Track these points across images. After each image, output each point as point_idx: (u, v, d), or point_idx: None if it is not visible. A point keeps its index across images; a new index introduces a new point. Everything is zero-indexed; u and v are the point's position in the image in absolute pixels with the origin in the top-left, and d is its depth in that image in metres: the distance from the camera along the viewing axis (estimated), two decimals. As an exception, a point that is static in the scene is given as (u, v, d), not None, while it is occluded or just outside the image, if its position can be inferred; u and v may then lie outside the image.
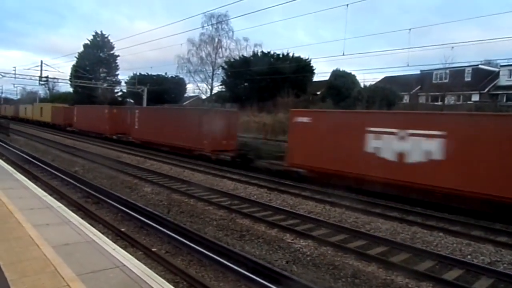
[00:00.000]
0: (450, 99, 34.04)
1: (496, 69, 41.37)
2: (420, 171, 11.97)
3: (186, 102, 57.49)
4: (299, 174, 15.70)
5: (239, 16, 49.81)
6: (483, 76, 40.95)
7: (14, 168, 13.00)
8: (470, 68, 39.96)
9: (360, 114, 16.99)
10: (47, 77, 42.73)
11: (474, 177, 10.92)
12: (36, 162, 18.12)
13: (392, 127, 12.83)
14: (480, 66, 40.83)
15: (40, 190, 9.02)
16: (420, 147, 12.07)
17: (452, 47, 28.21)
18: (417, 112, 18.73)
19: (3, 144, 24.67)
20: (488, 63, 41.68)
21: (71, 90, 63.73)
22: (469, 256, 8.23)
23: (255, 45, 48.62)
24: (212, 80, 51.99)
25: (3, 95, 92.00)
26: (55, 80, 50.75)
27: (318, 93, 41.33)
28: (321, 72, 61.97)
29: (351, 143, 13.86)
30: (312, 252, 8.14)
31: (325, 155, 14.61)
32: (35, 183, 10.71)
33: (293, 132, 16.60)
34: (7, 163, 14.14)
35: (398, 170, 12.47)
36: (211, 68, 51.33)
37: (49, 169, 16.43)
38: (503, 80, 39.64)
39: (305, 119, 15.85)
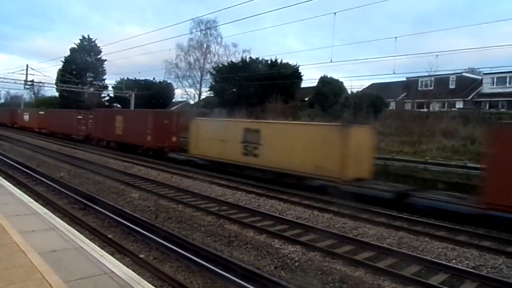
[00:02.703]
0: (435, 106, 34.64)
1: (480, 77, 42.30)
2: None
3: (174, 107, 57.22)
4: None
5: (229, 23, 50.13)
6: (467, 84, 41.82)
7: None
8: (454, 76, 40.75)
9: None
10: (32, 81, 42.12)
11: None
12: (21, 168, 17.82)
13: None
14: (464, 74, 41.67)
15: (26, 196, 8.89)
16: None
17: (437, 55, 28.81)
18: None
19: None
20: (472, 71, 42.59)
21: (57, 94, 62.84)
22: (454, 261, 8.38)
23: (244, 51, 48.81)
24: (201, 85, 51.94)
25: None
26: (41, 84, 50.08)
27: (306, 99, 41.61)
28: (310, 79, 62.61)
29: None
30: (300, 257, 8.18)
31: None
32: (20, 189, 10.54)
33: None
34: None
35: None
36: (199, 74, 51.29)
37: (34, 174, 16.18)
38: (486, 88, 40.53)
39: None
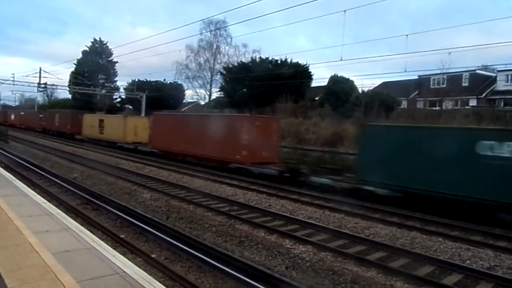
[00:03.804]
0: (447, 104, 34.19)
1: (494, 74, 41.59)
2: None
3: (185, 108, 57.57)
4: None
5: (239, 23, 50.27)
6: (480, 81, 41.16)
7: (13, 175, 12.99)
8: (467, 73, 40.15)
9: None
10: (45, 83, 42.80)
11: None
12: (35, 168, 18.11)
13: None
14: (477, 71, 41.02)
15: (39, 197, 9.01)
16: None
17: (450, 53, 28.39)
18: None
19: (1, 151, 24.63)
20: (485, 68, 41.89)
21: (69, 96, 63.76)
22: (468, 261, 8.24)
23: (254, 51, 48.95)
24: (211, 86, 52.22)
25: (2, 102, 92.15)
26: (54, 87, 50.84)
27: (317, 98, 41.44)
28: (321, 78, 62.27)
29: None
30: (311, 257, 8.14)
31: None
32: (34, 190, 10.70)
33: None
34: (6, 170, 14.13)
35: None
36: (209, 74, 51.59)
37: (48, 175, 16.42)
38: (501, 85, 39.84)
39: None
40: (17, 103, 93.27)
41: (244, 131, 18.75)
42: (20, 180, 12.39)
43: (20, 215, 6.87)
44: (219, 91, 48.60)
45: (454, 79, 38.00)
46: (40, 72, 40.41)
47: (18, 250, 5.11)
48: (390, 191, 13.15)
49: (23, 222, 6.44)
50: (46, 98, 80.00)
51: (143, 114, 40.88)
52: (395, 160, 12.98)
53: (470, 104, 36.94)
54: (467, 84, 39.97)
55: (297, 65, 39.73)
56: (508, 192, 10.30)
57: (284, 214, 11.50)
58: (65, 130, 39.88)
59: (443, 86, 38.21)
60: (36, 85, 41.18)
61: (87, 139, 34.54)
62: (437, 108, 33.51)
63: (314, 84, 42.68)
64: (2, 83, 40.20)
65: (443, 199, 11.69)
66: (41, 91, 51.24)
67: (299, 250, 8.52)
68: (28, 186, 10.82)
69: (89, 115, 37.83)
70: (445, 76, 38.24)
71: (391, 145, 13.24)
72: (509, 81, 39.14)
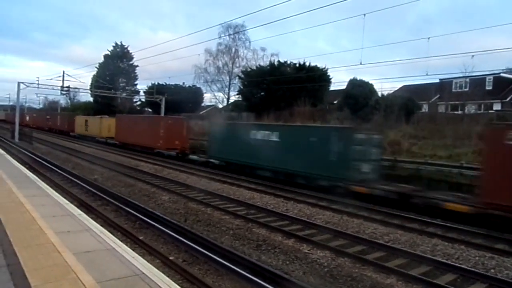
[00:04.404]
0: (470, 108, 33.35)
1: (519, 78, 40.39)
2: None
3: (203, 111, 58.01)
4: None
5: (257, 26, 50.47)
6: (505, 85, 39.98)
7: (37, 176, 13.32)
8: (491, 77, 39.09)
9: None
10: (68, 87, 43.81)
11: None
12: (57, 170, 18.55)
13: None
14: (501, 74, 39.89)
15: (61, 198, 9.21)
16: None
17: (473, 56, 27.59)
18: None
19: (26, 152, 25.34)
20: (510, 71, 40.69)
21: (91, 99, 65.13)
22: (492, 270, 8.01)
23: (272, 55, 48.93)
24: (229, 89, 52.42)
25: (27, 104, 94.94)
26: (76, 90, 52.05)
27: (335, 102, 41.09)
28: (340, 81, 61.71)
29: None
30: (329, 263, 8.05)
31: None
32: (56, 190, 10.95)
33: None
34: (30, 171, 14.51)
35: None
36: (228, 78, 51.82)
37: (69, 177, 16.79)
38: (526, 89, 38.65)
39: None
40: (41, 106, 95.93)
41: (161, 127, 27.87)
42: (43, 180, 12.70)
43: (43, 215, 7.03)
44: (237, 94, 48.78)
45: (477, 82, 37.06)
46: (63, 76, 41.36)
47: (41, 250, 5.23)
48: (220, 162, 21.67)
49: (46, 222, 6.59)
50: (69, 101, 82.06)
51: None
52: (223, 144, 21.56)
53: (494, 108, 35.94)
54: (490, 88, 38.91)
55: (315, 68, 39.52)
56: (259, 158, 18.42)
57: (302, 218, 11.43)
58: (63, 129, 50.38)
59: (465, 89, 37.28)
60: (59, 88, 42.18)
61: (78, 135, 43.42)
62: (459, 112, 32.74)
63: (333, 87, 42.35)
64: (27, 86, 41.24)
65: (243, 165, 20.04)
66: (64, 94, 52.48)
67: (317, 255, 8.44)
68: (51, 187, 11.07)
69: (79, 117, 47.23)
70: (467, 80, 37.33)
71: (221, 134, 22.10)
72: (535, 85, 37.94)
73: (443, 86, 39.42)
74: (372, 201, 13.68)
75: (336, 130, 16.95)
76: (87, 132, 41.45)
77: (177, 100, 47.75)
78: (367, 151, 15.67)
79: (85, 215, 7.58)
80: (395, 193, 13.55)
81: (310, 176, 16.36)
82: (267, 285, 6.34)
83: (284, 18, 36.37)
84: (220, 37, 48.97)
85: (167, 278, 4.73)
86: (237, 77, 49.53)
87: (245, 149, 19.39)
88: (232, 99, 52.78)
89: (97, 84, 51.13)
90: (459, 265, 8.08)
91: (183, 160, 24.95)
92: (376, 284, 7.14)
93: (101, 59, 62.00)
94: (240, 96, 47.39)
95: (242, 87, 45.94)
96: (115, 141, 34.80)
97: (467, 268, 7.95)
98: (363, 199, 13.61)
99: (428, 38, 22.31)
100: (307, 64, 40.24)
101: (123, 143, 33.11)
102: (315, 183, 15.94)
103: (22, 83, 40.45)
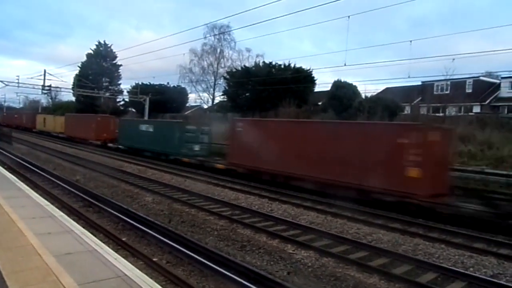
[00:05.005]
0: (451, 111, 34.08)
1: (497, 81, 41.46)
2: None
3: (188, 111, 57.68)
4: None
5: (243, 27, 50.45)
6: (484, 88, 41.03)
7: (17, 177, 13.03)
8: (471, 80, 40.05)
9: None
10: (50, 86, 43.05)
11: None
12: (38, 170, 18.16)
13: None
14: (481, 77, 40.91)
15: (42, 199, 9.04)
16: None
17: (453, 59, 28.25)
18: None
19: (5, 152, 24.73)
20: (489, 74, 41.78)
21: (73, 99, 64.01)
22: (471, 269, 8.19)
23: (257, 56, 49.03)
24: (214, 90, 52.27)
25: (6, 103, 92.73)
26: (58, 89, 51.14)
27: (320, 103, 41.42)
28: (325, 83, 62.16)
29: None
30: (313, 263, 8.11)
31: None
32: (37, 192, 10.73)
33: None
34: (10, 172, 14.18)
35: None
36: (213, 78, 51.67)
37: (51, 177, 16.46)
38: (504, 92, 39.70)
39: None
40: (21, 105, 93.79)
41: (93, 123, 36.11)
42: (23, 181, 12.43)
43: (23, 217, 6.89)
44: (222, 95, 48.70)
45: (457, 85, 37.92)
46: (44, 75, 40.57)
47: (20, 252, 5.12)
48: (124, 147, 29.80)
49: (26, 224, 6.46)
50: (50, 100, 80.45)
51: (146, 117, 40.99)
52: (125, 134, 30.28)
53: (474, 111, 36.83)
54: (470, 91, 39.88)
55: (301, 70, 39.77)
56: (144, 143, 27.14)
57: (287, 219, 11.48)
58: (28, 126, 55.59)
59: (446, 92, 38.09)
60: (40, 87, 41.34)
61: (38, 131, 50.25)
62: (441, 114, 33.42)
63: (318, 89, 42.72)
64: (6, 85, 40.38)
65: (136, 148, 28.03)
66: (45, 93, 51.62)
67: (301, 255, 8.49)
68: (31, 188, 10.85)
69: (39, 115, 55.09)
70: (448, 82, 38.14)
71: (124, 128, 31.36)
72: (513, 88, 39.00)
73: (425, 89, 40.19)
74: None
75: (176, 124, 26.07)
76: (45, 128, 49.35)
77: (161, 100, 47.37)
78: (198, 137, 24.23)
79: (66, 217, 7.46)
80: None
81: (167, 153, 24.78)
82: (251, 285, 6.35)
83: (269, 19, 36.47)
84: (205, 37, 48.87)
85: (150, 280, 4.70)
86: (222, 78, 49.44)
87: (136, 138, 28.26)
88: (217, 100, 52.68)
89: (79, 83, 50.28)
90: (439, 264, 8.23)
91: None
92: (359, 283, 7.22)
93: (84, 58, 61.06)
94: (225, 96, 47.33)
95: (227, 88, 45.89)
96: (64, 135, 41.89)
97: (447, 267, 8.11)
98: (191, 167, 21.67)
99: (411, 41, 22.77)
100: (292, 65, 40.48)
101: (70, 136, 40.21)
102: (169, 157, 24.37)
103: (1, 81, 39.58)
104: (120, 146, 30.77)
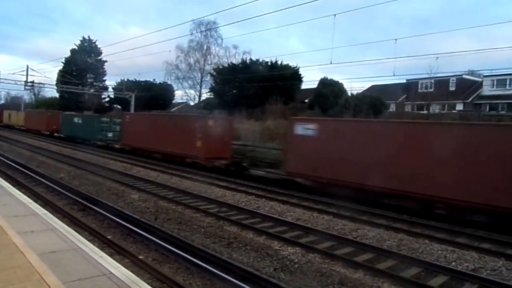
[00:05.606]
0: (435, 108, 34.68)
1: (479, 79, 42.35)
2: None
3: (175, 108, 57.27)
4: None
5: (230, 24, 50.29)
6: (467, 86, 41.85)
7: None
8: (454, 78, 40.78)
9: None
10: (33, 82, 42.19)
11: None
12: (20, 168, 17.83)
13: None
14: (464, 76, 41.69)
15: (24, 196, 8.88)
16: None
17: (437, 57, 28.74)
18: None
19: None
20: (472, 73, 42.62)
21: (57, 95, 62.90)
22: (453, 263, 8.37)
23: (244, 53, 48.90)
24: (201, 86, 51.99)
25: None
26: (41, 85, 50.20)
27: (307, 100, 41.63)
28: (312, 80, 62.48)
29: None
30: (299, 259, 8.17)
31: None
32: (19, 189, 10.53)
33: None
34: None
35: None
36: (199, 75, 51.36)
37: (34, 175, 16.18)
38: (486, 90, 40.57)
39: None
40: (2, 101, 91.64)
41: (44, 118, 42.39)
42: (5, 179, 12.18)
43: (4, 215, 6.76)
44: (209, 92, 48.51)
45: (441, 83, 38.57)
46: (27, 70, 39.85)
47: (2, 251, 5.03)
48: (65, 136, 35.40)
49: (8, 222, 6.34)
50: (33, 96, 78.83)
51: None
52: (67, 125, 36.57)
53: (457, 108, 37.52)
54: (454, 89, 40.60)
55: (287, 67, 39.86)
56: (78, 133, 34.17)
57: (273, 215, 11.52)
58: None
59: (430, 90, 38.73)
60: (23, 83, 40.53)
61: (4, 125, 55.70)
62: (425, 112, 33.97)
63: (305, 86, 42.95)
64: (-13, 81, 39.46)
65: (74, 137, 34.01)
66: (28, 89, 50.53)
67: (288, 252, 8.54)
68: (13, 186, 10.65)
69: (6, 111, 60.58)
70: (432, 81, 38.78)
71: (65, 121, 37.88)
72: (495, 86, 39.88)
73: (410, 87, 40.78)
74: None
75: (96, 117, 33.96)
76: (10, 122, 55.57)
77: (147, 97, 46.96)
78: (111, 127, 30.90)
79: (50, 215, 7.35)
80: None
81: (89, 139, 31.06)
82: (238, 282, 6.37)
83: (257, 16, 36.51)
84: (192, 34, 48.48)
85: (136, 277, 4.67)
86: (209, 75, 49.21)
87: (72, 128, 35.20)
88: (204, 97, 52.42)
89: (63, 79, 49.43)
90: (423, 259, 8.38)
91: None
92: (344, 279, 7.31)
93: (68, 54, 60.00)
94: (212, 93, 47.14)
95: (214, 85, 45.70)
96: (24, 128, 48.11)
97: (431, 261, 8.27)
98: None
99: (395, 39, 23.02)
100: (279, 62, 40.55)
101: (28, 128, 46.34)
102: (92, 143, 30.23)
103: (-18, 77, 38.60)
104: (61, 135, 37.25)
